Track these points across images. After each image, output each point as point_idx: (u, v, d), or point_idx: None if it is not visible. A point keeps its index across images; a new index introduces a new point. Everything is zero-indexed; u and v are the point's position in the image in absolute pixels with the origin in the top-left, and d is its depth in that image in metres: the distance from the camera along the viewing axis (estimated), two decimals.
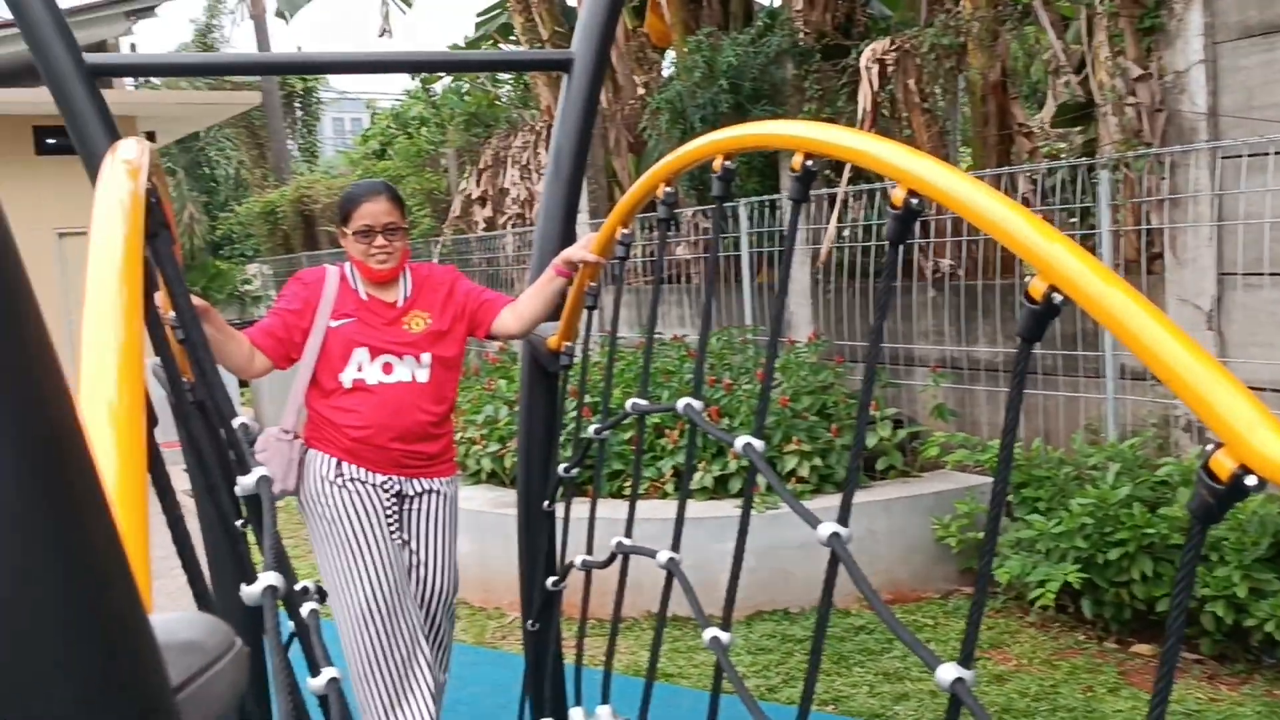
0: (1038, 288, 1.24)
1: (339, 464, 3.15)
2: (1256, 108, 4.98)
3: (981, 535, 4.70)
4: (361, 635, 3.08)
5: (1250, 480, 0.97)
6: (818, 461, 5.48)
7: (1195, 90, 5.21)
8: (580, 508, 3.06)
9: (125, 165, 1.40)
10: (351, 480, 3.14)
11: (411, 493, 3.26)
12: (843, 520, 1.57)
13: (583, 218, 9.47)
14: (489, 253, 11.47)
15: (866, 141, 1.56)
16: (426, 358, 3.20)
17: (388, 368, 3.16)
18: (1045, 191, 6.12)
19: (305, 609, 1.68)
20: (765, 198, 7.36)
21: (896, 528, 5.38)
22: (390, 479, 3.19)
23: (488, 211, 11.66)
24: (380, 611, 3.08)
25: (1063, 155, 6.93)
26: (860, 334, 6.94)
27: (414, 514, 3.29)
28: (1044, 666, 4.50)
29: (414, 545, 3.30)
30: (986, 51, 6.52)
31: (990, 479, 5.15)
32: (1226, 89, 5.13)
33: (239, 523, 2.19)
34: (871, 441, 5.68)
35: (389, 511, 3.19)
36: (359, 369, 3.14)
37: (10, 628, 0.48)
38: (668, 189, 2.27)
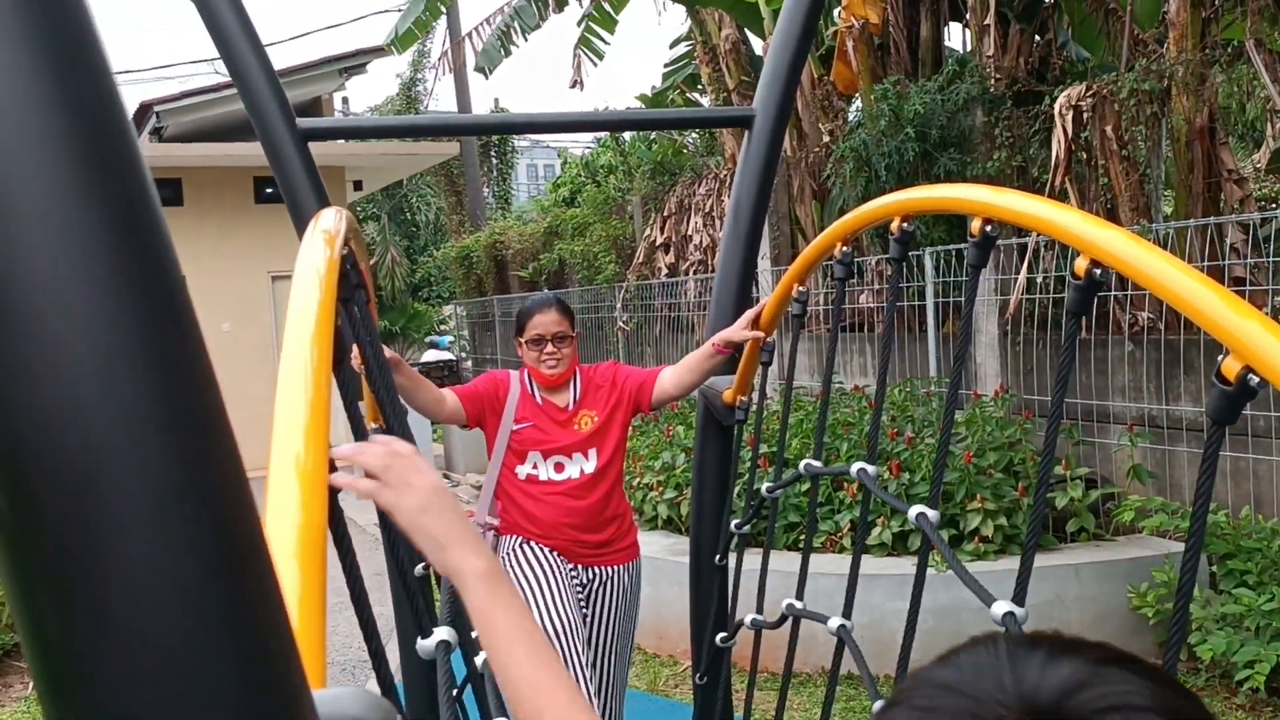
0: (1231, 367, 1.17)
1: (527, 540, 3.43)
2: None
3: None
4: None
5: None
6: (1003, 521, 5.28)
7: None
8: (753, 558, 3.05)
9: (323, 235, 1.49)
10: (537, 547, 3.40)
11: (590, 579, 3.46)
12: (1018, 599, 1.51)
13: (764, 264, 9.47)
14: (671, 298, 11.60)
15: (1047, 208, 1.51)
16: (593, 452, 3.44)
17: (559, 466, 3.42)
18: (1258, 241, 5.76)
19: (480, 657, 1.73)
20: (951, 247, 7.19)
21: (1088, 594, 5.11)
22: (574, 567, 3.43)
23: (671, 258, 11.80)
24: (555, 638, 3.22)
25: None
26: (1052, 388, 6.66)
27: (595, 601, 3.48)
28: None
29: (590, 630, 3.47)
30: (1193, 95, 6.21)
31: None
32: None
33: (420, 567, 2.27)
34: (1062, 502, 5.43)
35: (573, 582, 3.41)
36: (534, 466, 3.43)
37: (177, 702, 0.52)
38: (844, 249, 2.25)
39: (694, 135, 13.89)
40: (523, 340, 3.48)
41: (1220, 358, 1.19)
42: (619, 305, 12.61)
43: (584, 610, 3.45)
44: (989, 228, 1.68)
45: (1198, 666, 4.75)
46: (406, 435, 1.71)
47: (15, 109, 0.53)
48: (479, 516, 3.48)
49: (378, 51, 14.15)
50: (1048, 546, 5.31)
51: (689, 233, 11.40)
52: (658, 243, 12.04)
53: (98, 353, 0.55)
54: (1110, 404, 6.46)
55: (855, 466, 1.98)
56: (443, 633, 1.27)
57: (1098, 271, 1.38)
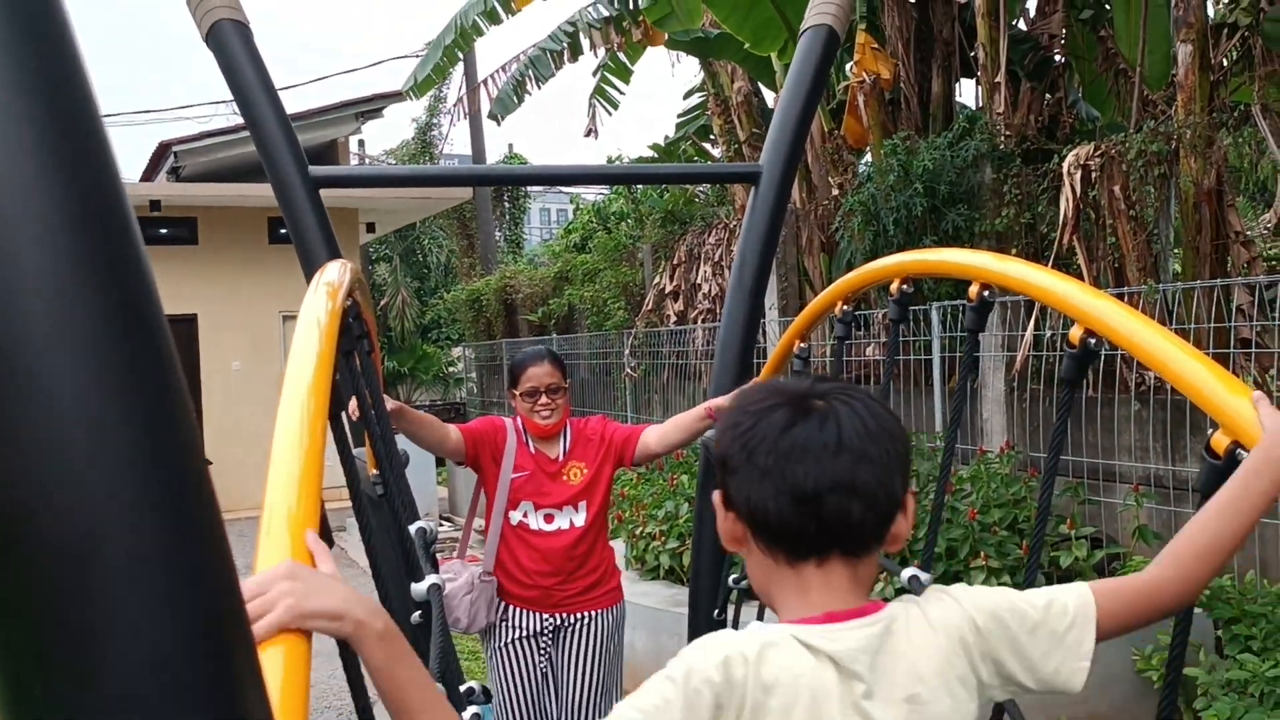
0: (1220, 442, 1.17)
1: (507, 609, 3.52)
2: None
3: (1188, 671, 4.37)
4: None
5: None
6: (1006, 579, 5.24)
7: None
8: (751, 611, 3.03)
9: (326, 287, 1.51)
10: (518, 638, 3.51)
11: (572, 623, 3.52)
12: None
13: (772, 314, 9.49)
14: (679, 346, 11.62)
15: (1045, 277, 1.52)
16: (583, 505, 3.51)
17: (549, 518, 3.49)
18: (1265, 304, 5.76)
19: (467, 714, 1.73)
20: (959, 301, 7.21)
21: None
22: (552, 616, 3.50)
23: (680, 305, 11.84)
24: None
25: None
26: (1045, 459, 6.63)
27: (572, 643, 3.53)
28: None
29: (567, 674, 3.53)
30: (1201, 157, 6.25)
31: (1198, 610, 4.77)
32: None
33: (416, 615, 2.26)
34: (1066, 561, 5.39)
35: (543, 650, 3.52)
36: (524, 515, 3.50)
37: None
38: (845, 307, 2.27)
39: (704, 185, 13.98)
40: (517, 392, 3.56)
41: (1210, 432, 1.19)
42: (627, 352, 12.63)
43: (546, 660, 3.52)
44: (987, 292, 1.69)
45: None
46: (403, 488, 1.72)
47: (12, 181, 0.54)
48: (485, 563, 3.52)
49: (395, 96, 14.32)
50: None
51: (698, 281, 11.45)
52: (667, 290, 12.08)
53: (89, 421, 0.56)
54: (1116, 463, 6.44)
55: None
56: None
57: (1092, 341, 1.39)
